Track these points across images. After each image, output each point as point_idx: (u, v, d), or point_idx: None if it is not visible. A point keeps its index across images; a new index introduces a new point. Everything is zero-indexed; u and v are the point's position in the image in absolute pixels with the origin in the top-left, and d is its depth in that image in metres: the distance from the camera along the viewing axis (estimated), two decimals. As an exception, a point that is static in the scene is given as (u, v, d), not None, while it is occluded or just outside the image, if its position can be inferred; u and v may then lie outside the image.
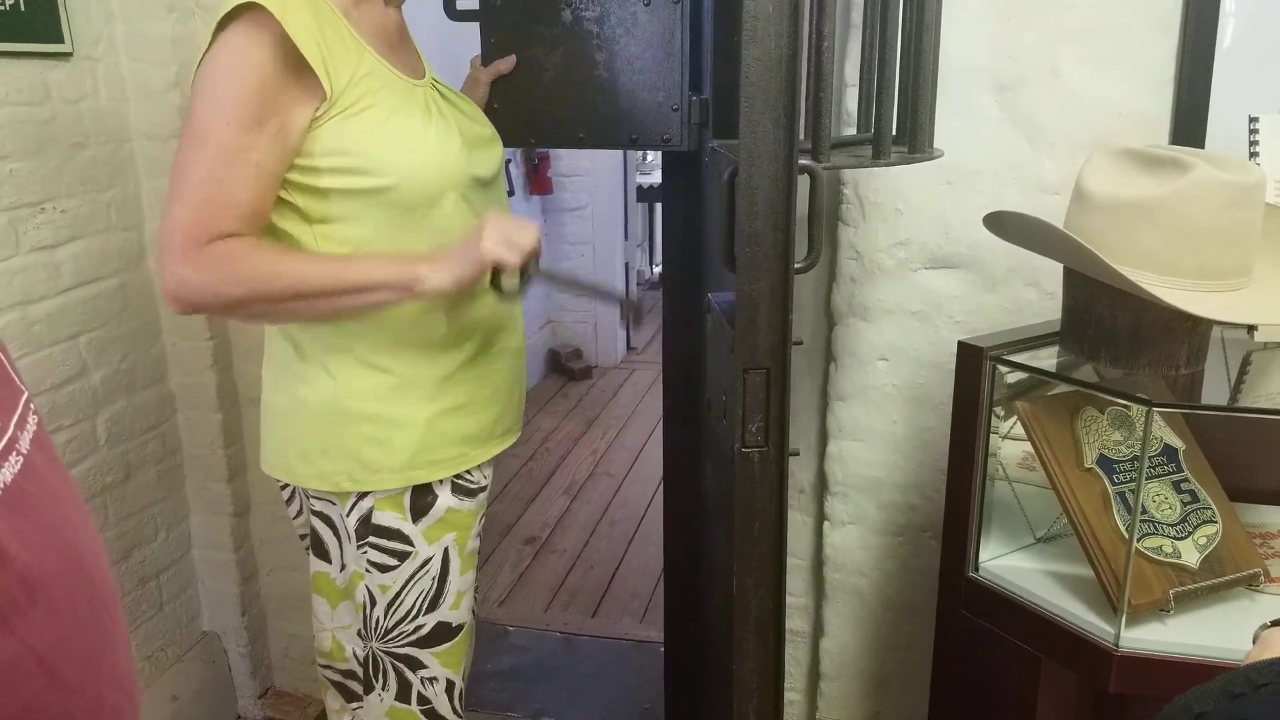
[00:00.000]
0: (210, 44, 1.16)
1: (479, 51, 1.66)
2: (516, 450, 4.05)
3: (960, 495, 1.33)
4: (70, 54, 1.88)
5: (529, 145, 2.99)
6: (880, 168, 1.21)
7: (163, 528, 2.17)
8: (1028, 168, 1.60)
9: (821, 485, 1.86)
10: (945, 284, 1.68)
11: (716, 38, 1.56)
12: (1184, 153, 1.13)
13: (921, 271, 1.69)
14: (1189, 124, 1.50)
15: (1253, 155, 1.32)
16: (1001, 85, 1.59)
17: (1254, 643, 0.72)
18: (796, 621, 2.01)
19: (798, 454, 1.23)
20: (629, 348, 5.47)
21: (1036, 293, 1.63)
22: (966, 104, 1.61)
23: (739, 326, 1.08)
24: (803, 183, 1.09)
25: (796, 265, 1.11)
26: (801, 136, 1.09)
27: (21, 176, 1.78)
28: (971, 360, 1.28)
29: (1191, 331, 1.15)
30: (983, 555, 1.37)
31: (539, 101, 1.64)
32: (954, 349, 1.66)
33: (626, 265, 5.36)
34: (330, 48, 1.17)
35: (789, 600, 1.99)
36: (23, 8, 1.77)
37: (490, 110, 1.61)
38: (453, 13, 1.70)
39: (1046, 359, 1.29)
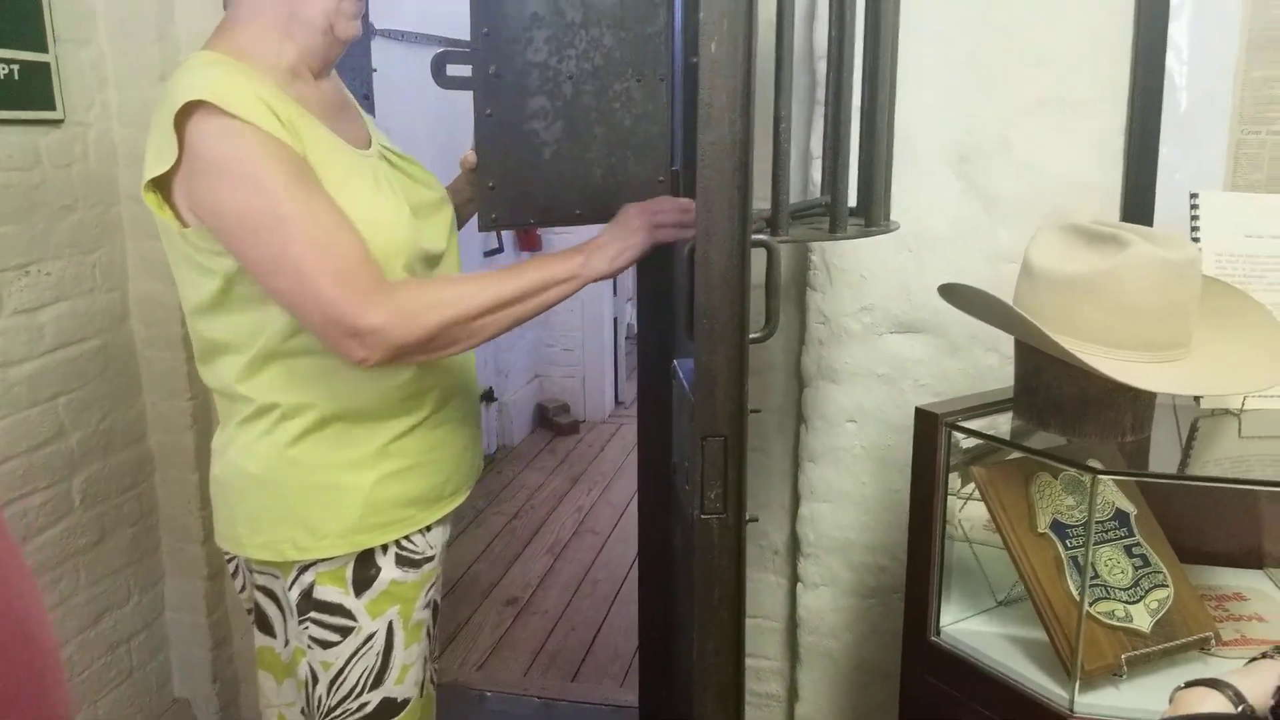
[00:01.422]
0: (181, 144, 1.13)
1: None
2: (500, 508, 4.05)
3: (920, 559, 1.35)
4: (62, 120, 1.93)
5: (530, 226, 2.66)
6: (844, 239, 1.25)
7: (135, 591, 2.16)
8: (985, 236, 1.65)
9: (794, 547, 1.88)
10: (910, 348, 1.72)
11: (685, 114, 1.61)
12: (1125, 229, 1.18)
13: (887, 336, 1.73)
14: (1138, 197, 1.55)
15: (1194, 230, 1.37)
16: (960, 157, 1.64)
17: (1169, 703, 0.74)
18: (772, 685, 2.01)
19: (756, 520, 1.24)
20: (617, 402, 5.50)
21: (997, 358, 1.67)
22: (926, 175, 1.66)
23: (697, 396, 1.12)
24: (760, 256, 1.14)
25: (754, 335, 1.14)
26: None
27: (8, 239, 1.82)
28: (928, 426, 1.31)
29: (1134, 400, 1.19)
30: (945, 619, 1.38)
31: (538, 176, 1.59)
32: (919, 412, 1.71)
33: (615, 320, 5.42)
34: (287, 118, 1.16)
35: (764, 664, 2.00)
36: (16, 77, 1.83)
37: (487, 190, 1.54)
38: (443, 80, 1.67)
39: (1001, 425, 1.32)
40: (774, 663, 1.99)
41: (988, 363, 1.68)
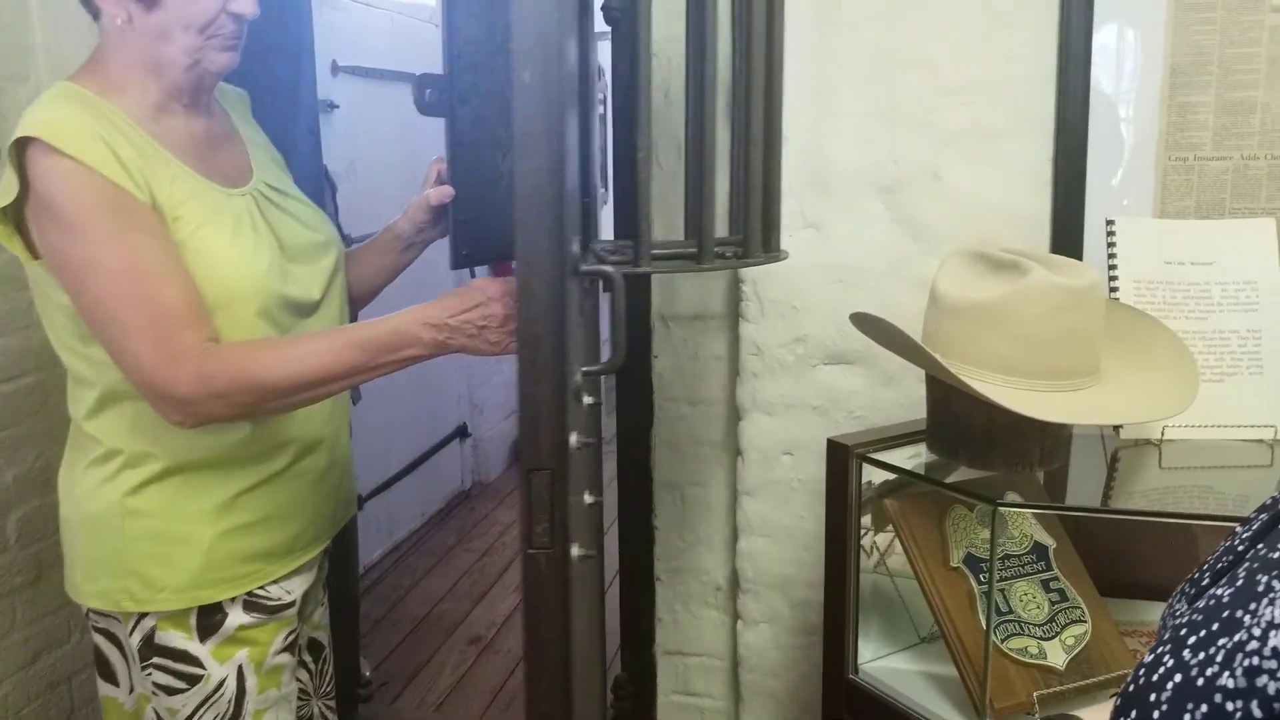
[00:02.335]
0: (20, 177, 1.11)
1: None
2: (470, 544, 4.01)
3: (835, 595, 1.32)
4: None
5: (502, 261, 2.45)
6: (712, 270, 1.23)
7: (76, 629, 2.13)
8: (914, 266, 1.64)
9: (734, 583, 1.85)
10: (844, 379, 1.70)
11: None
12: (1028, 257, 1.16)
13: (820, 367, 1.71)
14: (1066, 225, 1.54)
15: (1111, 257, 1.36)
16: (886, 187, 1.63)
17: None
18: (717, 725, 1.97)
19: (593, 556, 1.20)
20: (597, 439, 5.46)
21: (930, 388, 1.65)
22: (853, 205, 1.65)
23: (522, 429, 1.08)
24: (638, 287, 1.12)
25: (593, 368, 1.12)
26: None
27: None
28: (840, 458, 1.29)
29: (1043, 431, 1.16)
30: (866, 655, 1.35)
31: (501, 209, 1.50)
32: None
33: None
34: (133, 159, 1.12)
35: (709, 703, 1.96)
36: None
37: (460, 224, 1.45)
38: (422, 106, 1.62)
39: (913, 457, 1.30)
40: (718, 702, 1.95)
41: (920, 393, 1.65)
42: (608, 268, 1.10)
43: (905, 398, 1.67)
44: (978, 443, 1.19)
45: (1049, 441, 1.18)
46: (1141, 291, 1.34)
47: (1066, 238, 1.55)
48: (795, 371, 1.71)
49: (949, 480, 1.26)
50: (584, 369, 1.11)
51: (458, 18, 1.26)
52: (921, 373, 1.65)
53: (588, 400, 1.15)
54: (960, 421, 1.20)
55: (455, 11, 1.26)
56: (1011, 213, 1.60)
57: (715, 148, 1.19)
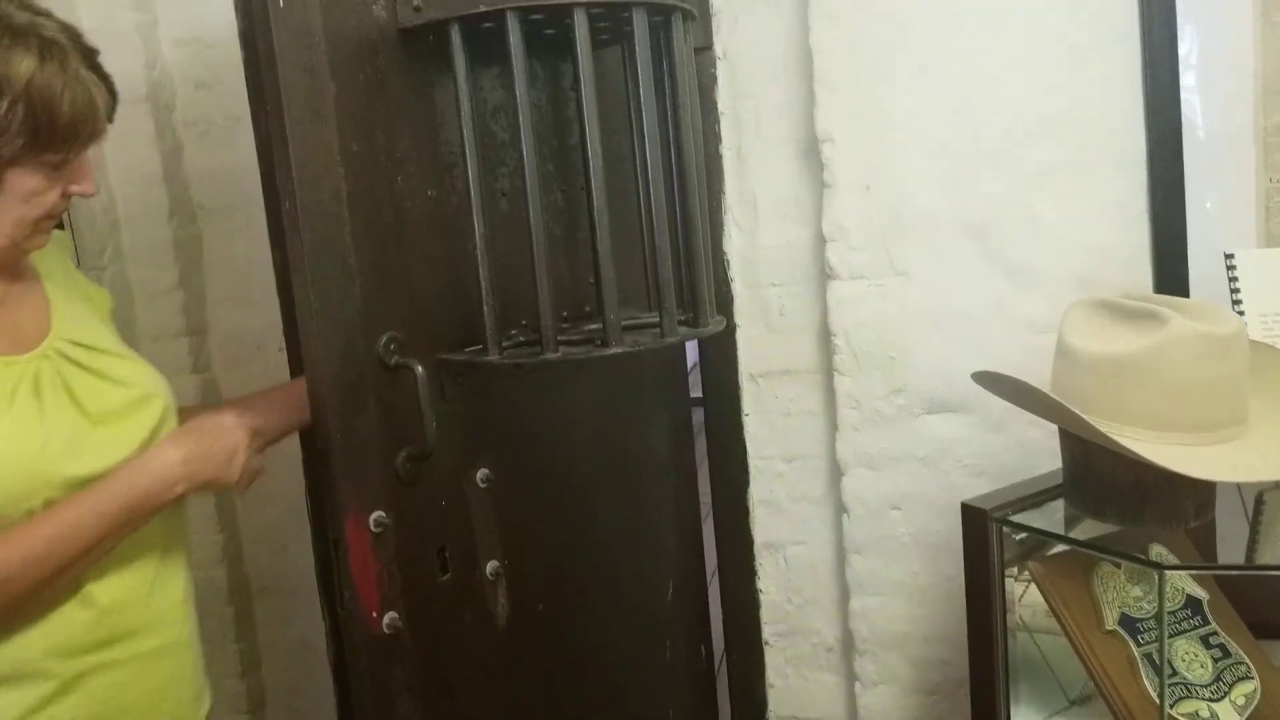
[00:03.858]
0: None
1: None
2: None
3: (982, 664, 1.28)
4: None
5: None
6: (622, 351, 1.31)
7: (177, 730, 2.12)
8: (1013, 308, 1.60)
9: (848, 643, 1.80)
10: (949, 428, 1.66)
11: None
12: (1159, 303, 1.12)
13: (923, 417, 1.67)
14: (1169, 260, 1.50)
15: (1234, 293, 1.31)
16: (975, 229, 1.60)
17: None
18: (838, 790, 1.91)
19: (396, 618, 1.28)
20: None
21: (1041, 431, 1.59)
22: (942, 249, 1.62)
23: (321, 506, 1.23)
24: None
25: (412, 453, 1.28)
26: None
27: (30, 393, 1.82)
28: (977, 524, 1.25)
29: (1194, 485, 1.12)
30: (1015, 722, 1.30)
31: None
32: (966, 493, 1.62)
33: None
34: None
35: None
36: (30, 232, 1.84)
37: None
38: None
39: (1053, 515, 1.25)
40: (838, 766, 1.89)
41: (1031, 436, 1.61)
42: (411, 361, 1.28)
43: (1014, 442, 1.63)
44: (1126, 500, 1.15)
45: (1201, 495, 1.14)
46: (1269, 325, 1.29)
47: (1171, 273, 1.51)
48: (897, 423, 1.68)
49: (1086, 536, 1.21)
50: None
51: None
52: (1030, 417, 1.60)
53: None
54: (1104, 478, 1.16)
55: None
56: (1108, 249, 1.56)
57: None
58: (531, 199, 1.31)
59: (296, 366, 2.05)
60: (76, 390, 1.08)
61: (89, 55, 1.03)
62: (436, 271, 1.40)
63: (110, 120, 1.05)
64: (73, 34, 1.03)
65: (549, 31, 1.42)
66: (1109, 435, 1.08)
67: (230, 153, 2.04)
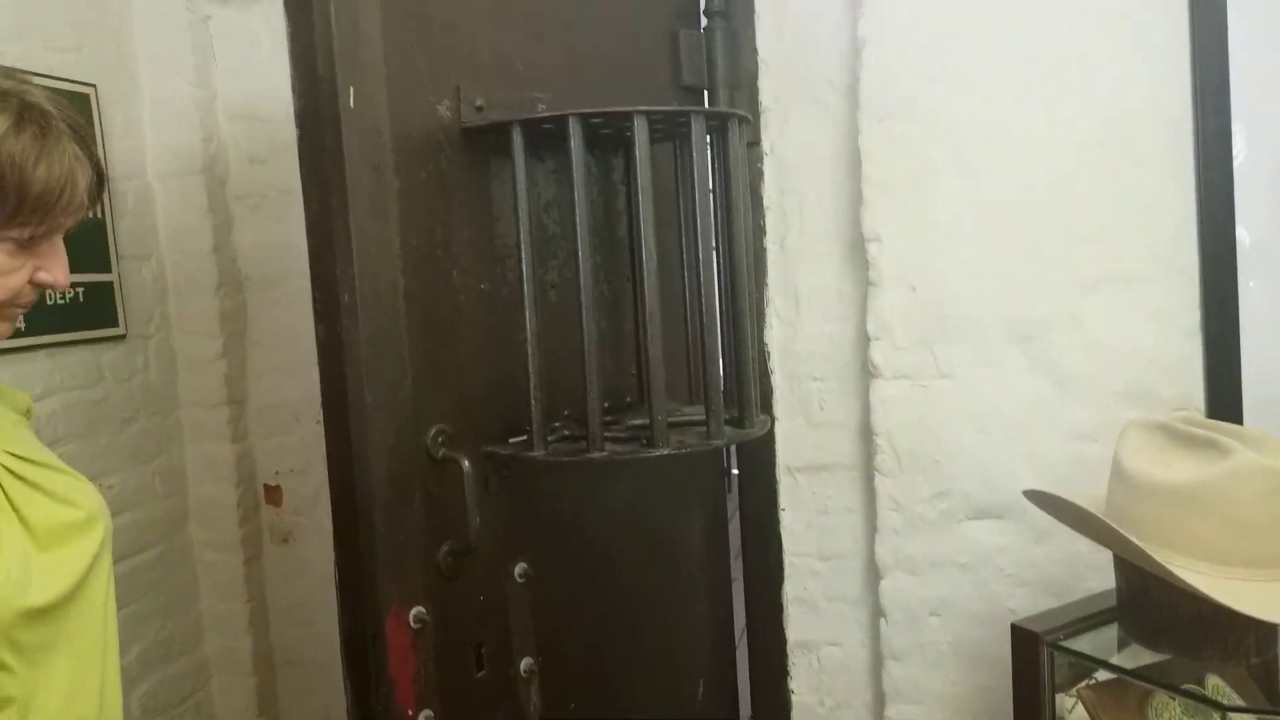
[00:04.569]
0: None
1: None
2: None
3: (1030, 790, 1.24)
4: (124, 335, 1.97)
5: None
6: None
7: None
8: (1060, 415, 1.58)
9: (882, 751, 1.76)
10: (991, 535, 1.63)
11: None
12: (1220, 432, 1.11)
13: (966, 522, 1.65)
14: (1222, 374, 1.49)
15: (1293, 417, 1.30)
16: (1023, 334, 1.59)
17: None
18: None
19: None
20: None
21: (1086, 545, 1.55)
22: (989, 353, 1.61)
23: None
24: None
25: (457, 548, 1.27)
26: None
27: (72, 459, 1.81)
28: (1028, 647, 1.22)
29: (1257, 621, 1.09)
30: None
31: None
32: (1007, 603, 1.61)
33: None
34: None
35: None
36: (82, 299, 1.88)
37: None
38: None
39: (1107, 641, 1.23)
40: None
41: (1076, 549, 1.58)
42: (460, 455, 1.30)
43: (1060, 553, 1.60)
44: (1184, 632, 1.12)
45: (1263, 631, 1.11)
46: (1328, 451, 1.27)
47: (1224, 389, 1.50)
48: (939, 527, 1.65)
49: (1138, 659, 1.19)
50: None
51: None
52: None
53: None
54: (1162, 608, 1.14)
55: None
56: (1159, 360, 1.55)
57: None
58: (585, 297, 1.32)
59: (334, 441, 2.06)
60: (21, 508, 0.96)
61: (77, 129, 0.94)
62: (485, 362, 1.40)
63: (93, 202, 0.96)
64: (61, 105, 0.94)
65: (604, 130, 1.44)
66: (1168, 567, 1.05)
67: (280, 226, 2.08)
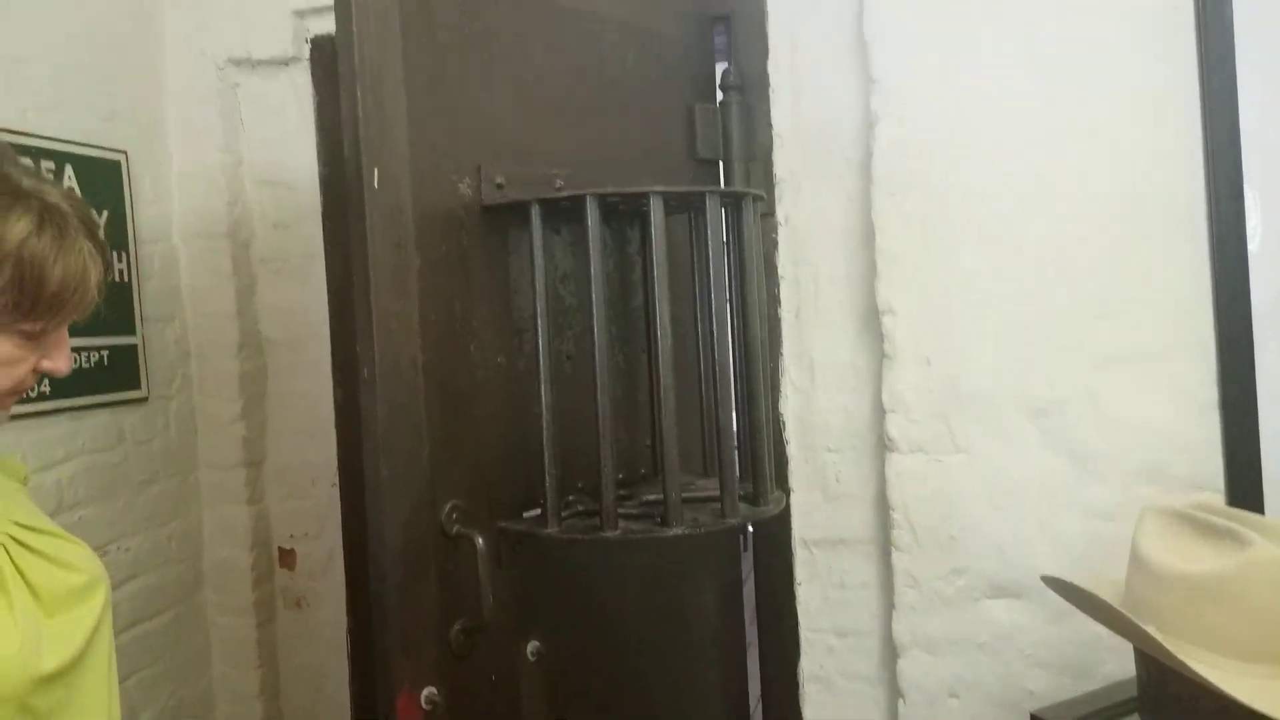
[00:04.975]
0: None
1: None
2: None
3: None
4: (146, 398, 1.99)
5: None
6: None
7: None
8: (1076, 492, 1.57)
9: (898, 833, 1.72)
10: (1010, 614, 1.61)
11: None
12: (1240, 522, 1.10)
13: (984, 600, 1.63)
14: (1241, 453, 1.47)
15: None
16: (1039, 410, 1.59)
17: None
18: None
19: None
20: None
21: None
22: (1005, 428, 1.61)
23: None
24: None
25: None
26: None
27: (90, 522, 1.84)
28: (1046, 736, 1.20)
29: (1282, 717, 1.07)
30: None
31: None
32: (1026, 684, 1.59)
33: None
34: None
35: None
36: (106, 362, 1.90)
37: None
38: None
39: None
40: None
41: (1096, 630, 1.52)
42: (473, 532, 1.30)
43: (1079, 635, 1.57)
44: (1207, 727, 1.10)
45: (1289, 725, 1.08)
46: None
47: (1243, 468, 1.48)
48: (957, 605, 1.63)
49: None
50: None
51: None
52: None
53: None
54: (1184, 702, 1.11)
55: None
56: (1176, 438, 1.53)
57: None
58: (600, 373, 1.32)
59: (349, 515, 2.07)
60: (29, 576, 1.00)
61: (90, 226, 0.99)
62: (500, 434, 1.41)
63: (100, 295, 1.00)
64: (76, 203, 0.99)
65: (620, 207, 1.46)
66: (1187, 662, 1.04)
67: (301, 290, 2.11)
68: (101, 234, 1.00)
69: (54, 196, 0.96)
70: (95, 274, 0.98)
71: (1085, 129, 1.55)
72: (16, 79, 1.73)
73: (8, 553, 0.99)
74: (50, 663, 0.97)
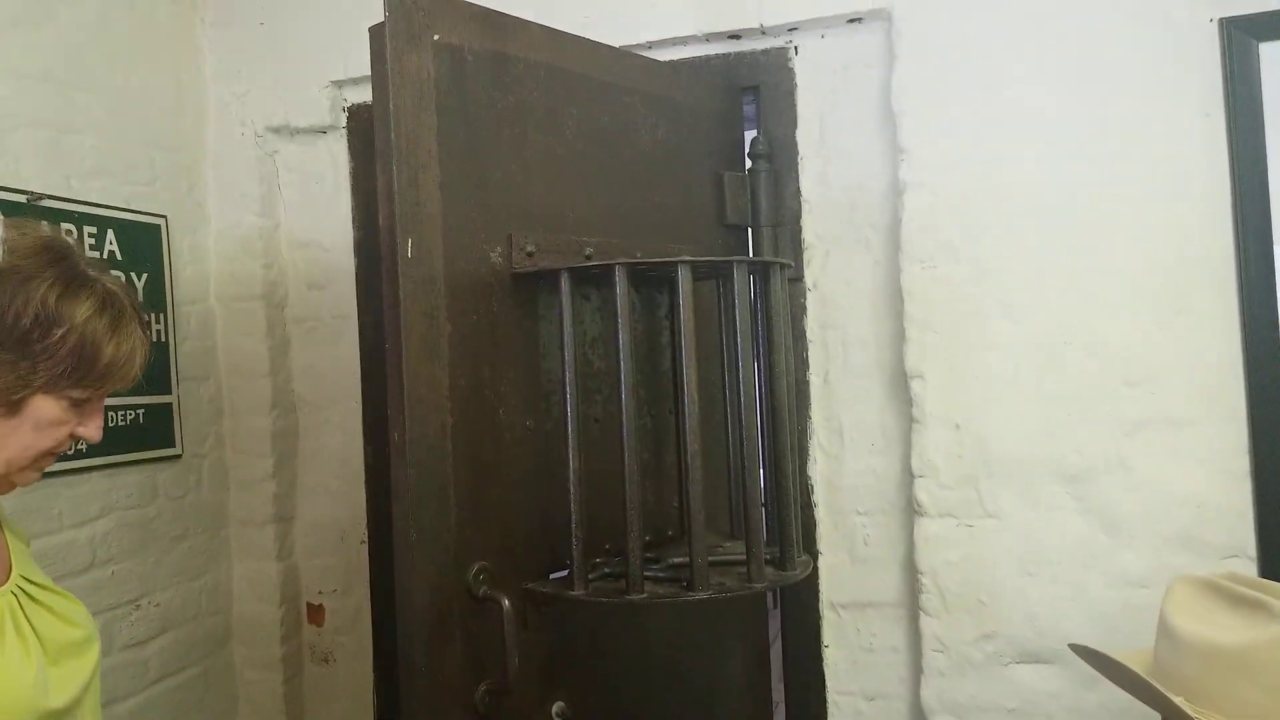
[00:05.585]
0: None
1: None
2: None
3: None
4: (179, 455, 2.03)
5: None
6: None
7: None
8: (1108, 559, 1.56)
9: None
10: (1041, 680, 1.59)
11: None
12: (1270, 593, 1.09)
13: (1013, 666, 1.61)
14: (1273, 521, 1.46)
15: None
16: (1070, 476, 1.58)
17: None
18: None
19: None
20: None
21: (1140, 695, 1.53)
22: (1035, 494, 1.60)
23: None
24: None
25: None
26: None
27: (123, 577, 1.87)
28: (1078, 810, 1.18)
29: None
30: None
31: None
32: (1058, 754, 1.55)
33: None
34: None
35: None
36: (141, 420, 1.94)
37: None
38: None
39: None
40: None
41: (1127, 698, 1.52)
42: (499, 593, 1.31)
43: (1111, 700, 1.55)
44: (1244, 804, 1.08)
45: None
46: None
47: (1275, 534, 1.47)
48: (986, 670, 1.62)
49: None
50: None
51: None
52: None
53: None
54: (1219, 777, 1.10)
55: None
56: (1209, 504, 1.53)
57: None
58: (628, 440, 1.34)
59: (376, 561, 2.09)
60: (36, 626, 1.11)
61: (139, 313, 1.12)
62: (527, 497, 1.43)
63: (143, 372, 1.11)
64: (131, 295, 1.12)
65: (649, 274, 1.49)
66: (1224, 739, 1.02)
67: (333, 349, 2.15)
68: (144, 320, 1.13)
69: (112, 285, 1.10)
70: (142, 355, 1.10)
71: (1115, 199, 1.57)
72: (62, 147, 1.79)
73: (19, 603, 1.10)
74: (55, 701, 1.08)
